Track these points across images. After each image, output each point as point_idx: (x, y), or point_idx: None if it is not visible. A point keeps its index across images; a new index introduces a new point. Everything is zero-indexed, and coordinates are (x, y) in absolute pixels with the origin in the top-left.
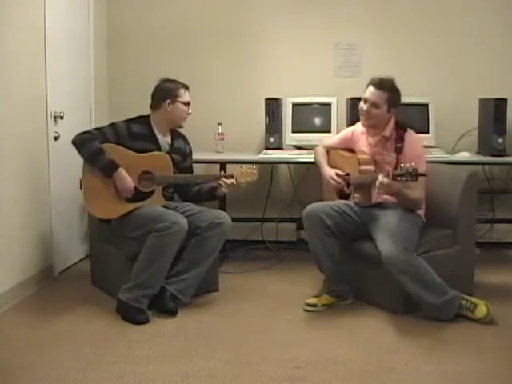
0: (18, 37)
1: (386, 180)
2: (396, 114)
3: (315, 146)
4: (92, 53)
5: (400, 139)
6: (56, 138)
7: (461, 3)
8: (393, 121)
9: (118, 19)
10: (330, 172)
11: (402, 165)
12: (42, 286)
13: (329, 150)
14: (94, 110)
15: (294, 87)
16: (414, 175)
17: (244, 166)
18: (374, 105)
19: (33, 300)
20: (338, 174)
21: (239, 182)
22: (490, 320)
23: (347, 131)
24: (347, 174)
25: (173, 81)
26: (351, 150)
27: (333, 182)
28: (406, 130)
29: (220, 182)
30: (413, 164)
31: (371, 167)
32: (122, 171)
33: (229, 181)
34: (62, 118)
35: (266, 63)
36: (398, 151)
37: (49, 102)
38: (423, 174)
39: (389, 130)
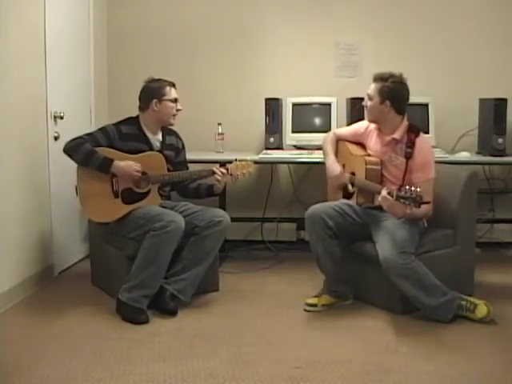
0: (18, 37)
1: (390, 198)
2: (395, 109)
3: (315, 145)
4: (92, 53)
5: (411, 144)
6: (56, 138)
7: (461, 3)
8: (405, 124)
9: (118, 19)
10: (336, 169)
11: (407, 187)
12: (41, 285)
13: (338, 141)
14: (94, 110)
15: (294, 87)
16: (418, 202)
17: (239, 158)
18: (369, 97)
19: (33, 300)
20: (341, 173)
21: (234, 174)
22: (490, 320)
23: (361, 125)
24: (353, 173)
25: (158, 80)
26: (361, 145)
27: (337, 180)
28: (417, 135)
29: (216, 176)
30: (418, 190)
31: (377, 167)
32: (118, 162)
33: (222, 170)
34: (62, 118)
35: (266, 63)
36: (408, 156)
37: (49, 102)
38: (427, 202)
39: (399, 133)
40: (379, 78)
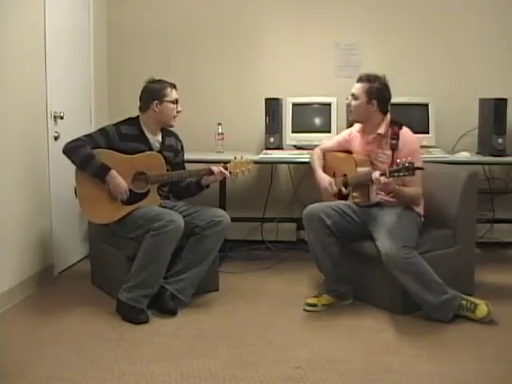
0: (19, 37)
1: (382, 178)
2: (380, 108)
3: (315, 145)
4: (92, 53)
5: (395, 136)
6: (56, 138)
7: (461, 3)
8: (387, 119)
9: (118, 19)
10: (325, 180)
11: (398, 160)
12: (42, 285)
13: (325, 153)
14: (94, 110)
15: (294, 87)
16: (411, 169)
17: (238, 156)
18: (354, 97)
19: (33, 300)
20: (330, 183)
21: (233, 172)
22: (490, 320)
23: (344, 133)
24: (344, 175)
25: (159, 81)
26: (349, 152)
27: (330, 190)
28: (400, 127)
29: (212, 168)
30: (409, 158)
31: (368, 168)
32: (114, 173)
33: (221, 169)
34: (62, 118)
35: (266, 63)
36: (394, 148)
37: (49, 102)
38: (420, 168)
39: (383, 128)
40: (366, 79)
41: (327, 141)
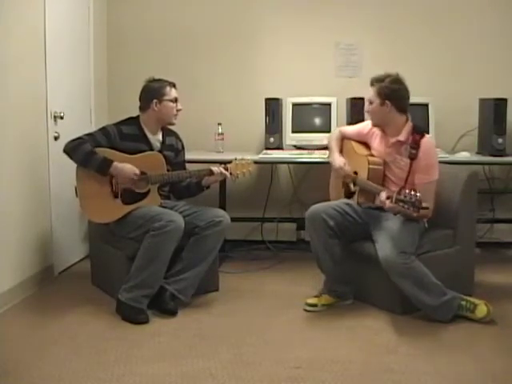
0: (18, 37)
1: (387, 202)
2: (396, 107)
3: (315, 145)
4: (92, 53)
5: (416, 145)
6: (56, 138)
7: (461, 3)
8: (409, 125)
9: (118, 19)
10: (339, 161)
11: (407, 191)
12: (42, 286)
13: (344, 138)
14: (94, 110)
15: (294, 87)
16: (417, 207)
17: (238, 158)
18: (369, 102)
19: (33, 300)
20: (344, 163)
21: (234, 173)
22: (490, 320)
23: (364, 126)
24: (355, 173)
25: (158, 80)
26: (366, 144)
27: (341, 171)
28: (422, 136)
29: (212, 169)
30: (418, 194)
31: (380, 167)
32: (117, 164)
33: (222, 170)
34: (62, 118)
35: (266, 63)
36: (412, 157)
37: (49, 102)
38: (425, 208)
39: (404, 135)
40: (375, 81)
41: (348, 126)
